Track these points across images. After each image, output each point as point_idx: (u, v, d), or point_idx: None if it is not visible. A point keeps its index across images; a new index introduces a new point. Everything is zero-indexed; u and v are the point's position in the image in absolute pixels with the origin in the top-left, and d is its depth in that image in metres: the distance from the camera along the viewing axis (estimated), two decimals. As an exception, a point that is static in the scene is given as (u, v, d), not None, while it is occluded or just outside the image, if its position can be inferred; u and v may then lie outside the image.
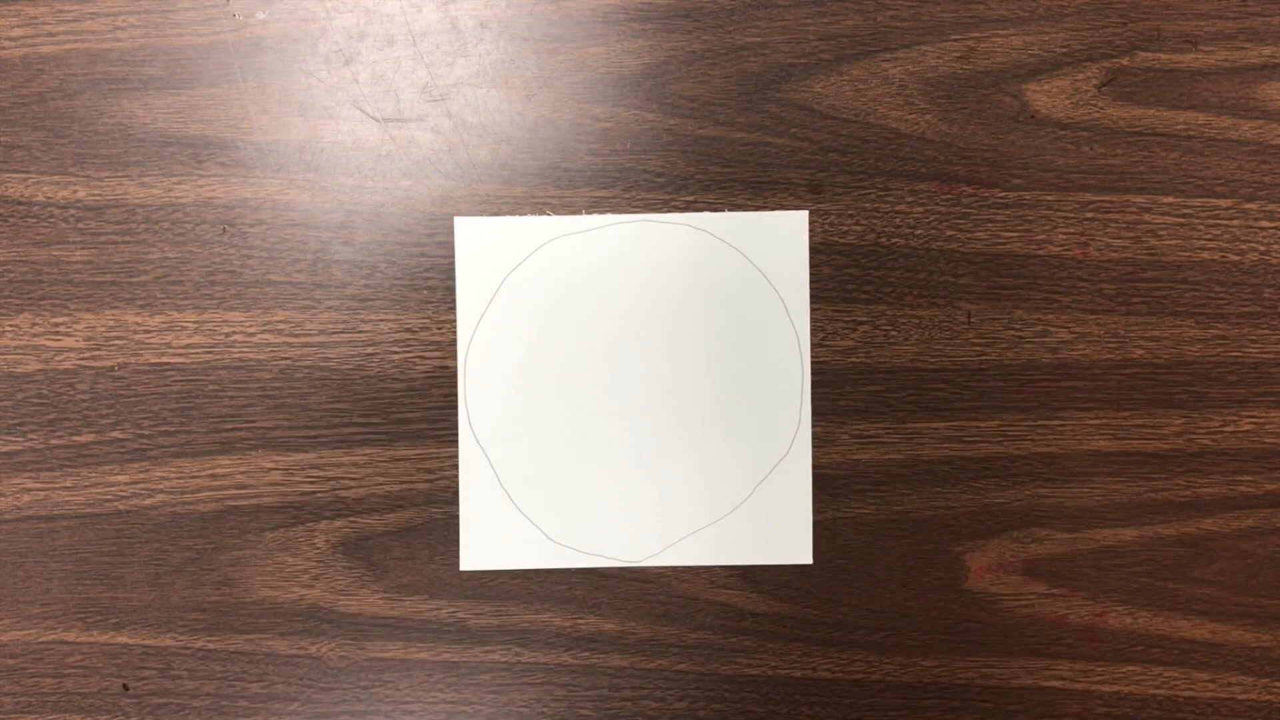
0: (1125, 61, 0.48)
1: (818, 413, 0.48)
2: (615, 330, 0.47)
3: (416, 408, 0.47)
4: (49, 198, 0.46)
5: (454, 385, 0.47)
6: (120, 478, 0.47)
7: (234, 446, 0.47)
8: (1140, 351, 0.48)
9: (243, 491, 0.47)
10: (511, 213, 0.47)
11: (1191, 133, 0.48)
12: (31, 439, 0.47)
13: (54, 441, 0.47)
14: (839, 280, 0.48)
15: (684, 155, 0.47)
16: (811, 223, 0.47)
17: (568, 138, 0.47)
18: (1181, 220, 0.48)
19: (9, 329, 0.46)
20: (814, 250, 0.47)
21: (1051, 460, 0.48)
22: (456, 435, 0.47)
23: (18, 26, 0.46)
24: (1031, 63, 0.48)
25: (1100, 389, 0.48)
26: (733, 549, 0.47)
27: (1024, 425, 0.48)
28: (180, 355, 0.47)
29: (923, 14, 0.47)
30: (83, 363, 0.47)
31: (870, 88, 0.47)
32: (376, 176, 0.47)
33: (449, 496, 0.47)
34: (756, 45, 0.47)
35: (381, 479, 0.47)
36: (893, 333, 0.48)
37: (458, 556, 0.47)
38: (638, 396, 0.47)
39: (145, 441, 0.47)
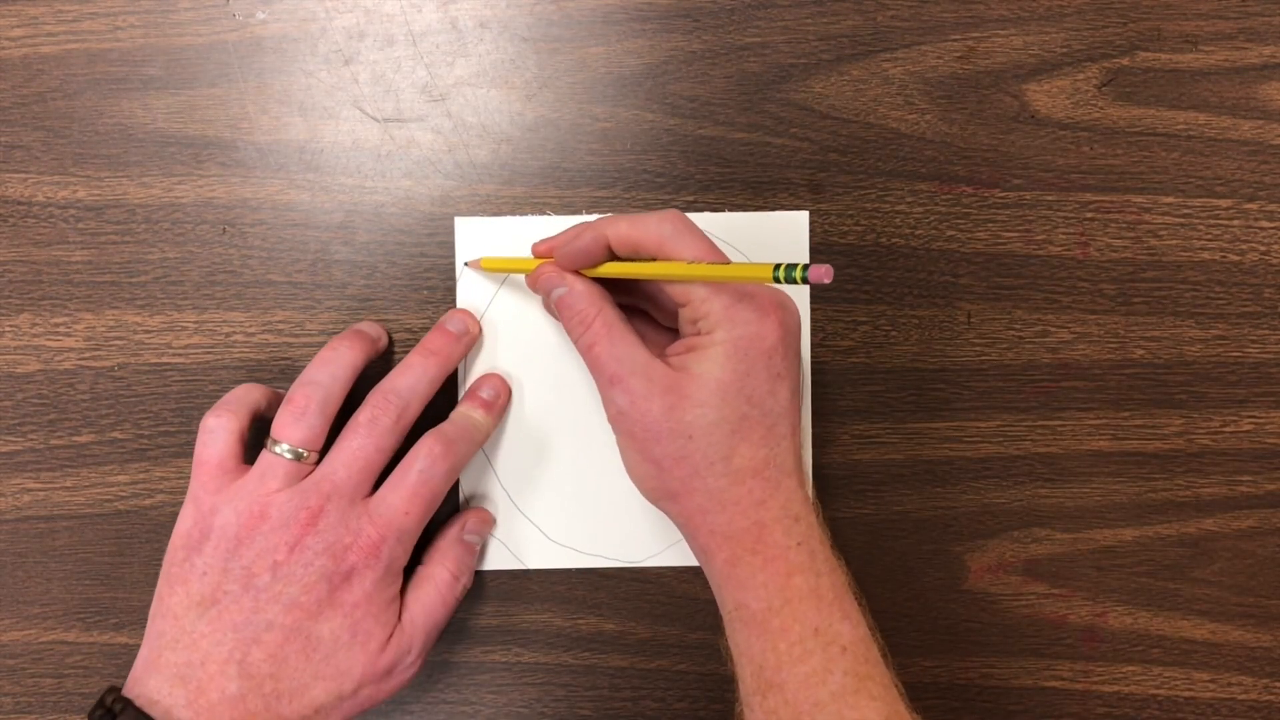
0: (1125, 61, 0.48)
1: (818, 413, 0.48)
2: (615, 330, 0.47)
3: (416, 408, 0.47)
4: (49, 198, 0.46)
5: (454, 385, 0.47)
6: (120, 478, 0.47)
7: (234, 446, 0.47)
8: (1140, 351, 0.48)
9: (243, 491, 0.47)
10: (511, 213, 0.47)
11: (1191, 133, 0.48)
12: (31, 439, 0.47)
13: (54, 441, 0.47)
14: (839, 280, 0.48)
15: (684, 155, 0.47)
16: (811, 223, 0.47)
17: (568, 138, 0.47)
18: (1182, 220, 0.48)
19: (9, 329, 0.46)
20: (814, 250, 0.47)
21: (1051, 460, 0.48)
22: (456, 435, 0.47)
23: (18, 26, 0.46)
24: (1031, 63, 0.48)
25: (1100, 389, 0.48)
26: (733, 549, 0.47)
27: (1024, 425, 0.48)
28: (180, 355, 0.47)
29: (923, 14, 0.47)
30: (83, 363, 0.47)
31: (870, 88, 0.47)
32: (376, 176, 0.47)
33: (449, 496, 0.47)
34: (756, 45, 0.47)
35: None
36: (893, 333, 0.48)
37: (458, 556, 0.47)
38: (638, 396, 0.47)
39: (145, 441, 0.47)
